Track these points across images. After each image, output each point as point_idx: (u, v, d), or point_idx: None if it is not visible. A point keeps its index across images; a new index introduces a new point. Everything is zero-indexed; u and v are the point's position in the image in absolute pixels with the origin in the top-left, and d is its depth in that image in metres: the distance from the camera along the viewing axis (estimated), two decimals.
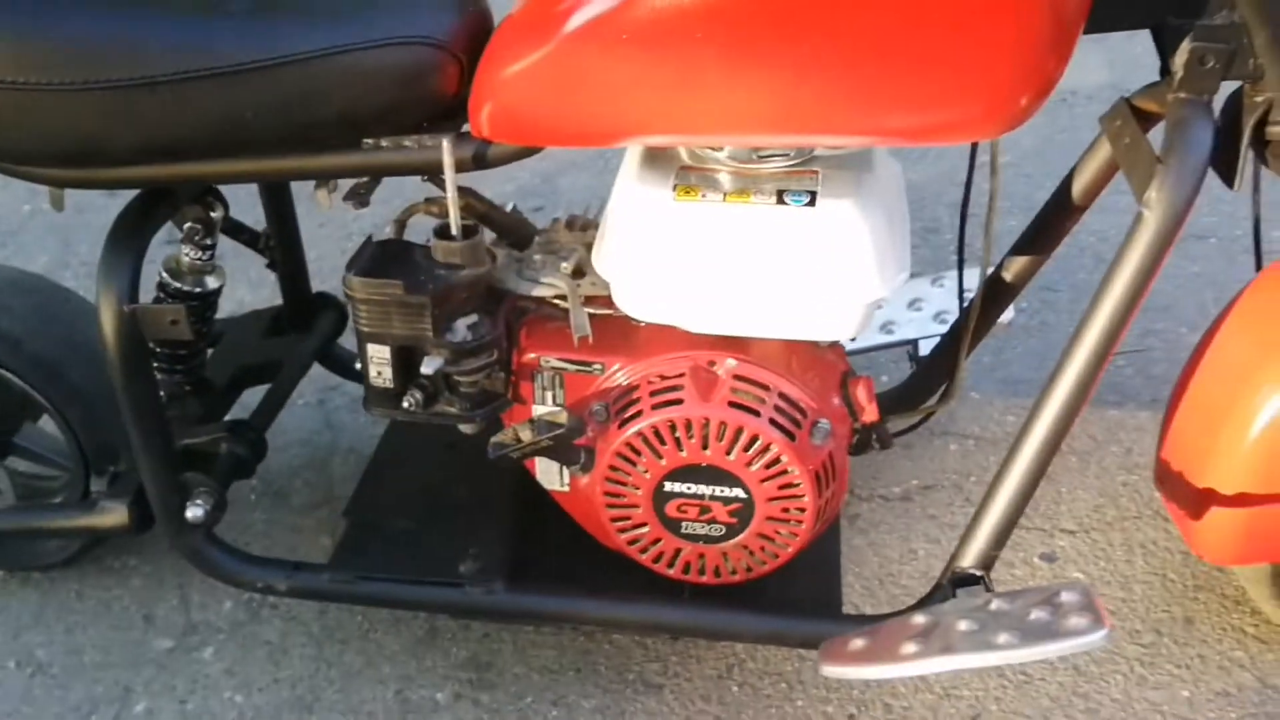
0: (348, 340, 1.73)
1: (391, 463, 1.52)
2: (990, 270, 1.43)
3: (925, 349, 1.62)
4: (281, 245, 1.66)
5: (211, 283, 1.47)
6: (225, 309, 1.95)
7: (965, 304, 1.46)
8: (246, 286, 2.16)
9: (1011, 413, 1.84)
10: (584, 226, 1.37)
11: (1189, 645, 1.50)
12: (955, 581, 1.24)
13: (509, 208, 1.39)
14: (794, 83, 1.04)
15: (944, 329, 1.61)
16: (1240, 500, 1.28)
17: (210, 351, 1.64)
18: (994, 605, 1.16)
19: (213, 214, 1.41)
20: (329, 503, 1.76)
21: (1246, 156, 1.14)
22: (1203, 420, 1.31)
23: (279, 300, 1.71)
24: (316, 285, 1.74)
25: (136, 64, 1.14)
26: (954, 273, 1.72)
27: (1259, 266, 1.32)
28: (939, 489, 1.73)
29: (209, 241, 1.43)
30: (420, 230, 1.28)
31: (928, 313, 1.64)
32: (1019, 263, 1.41)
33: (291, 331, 1.70)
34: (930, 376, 1.58)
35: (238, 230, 1.61)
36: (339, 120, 1.18)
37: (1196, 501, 1.31)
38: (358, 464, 1.80)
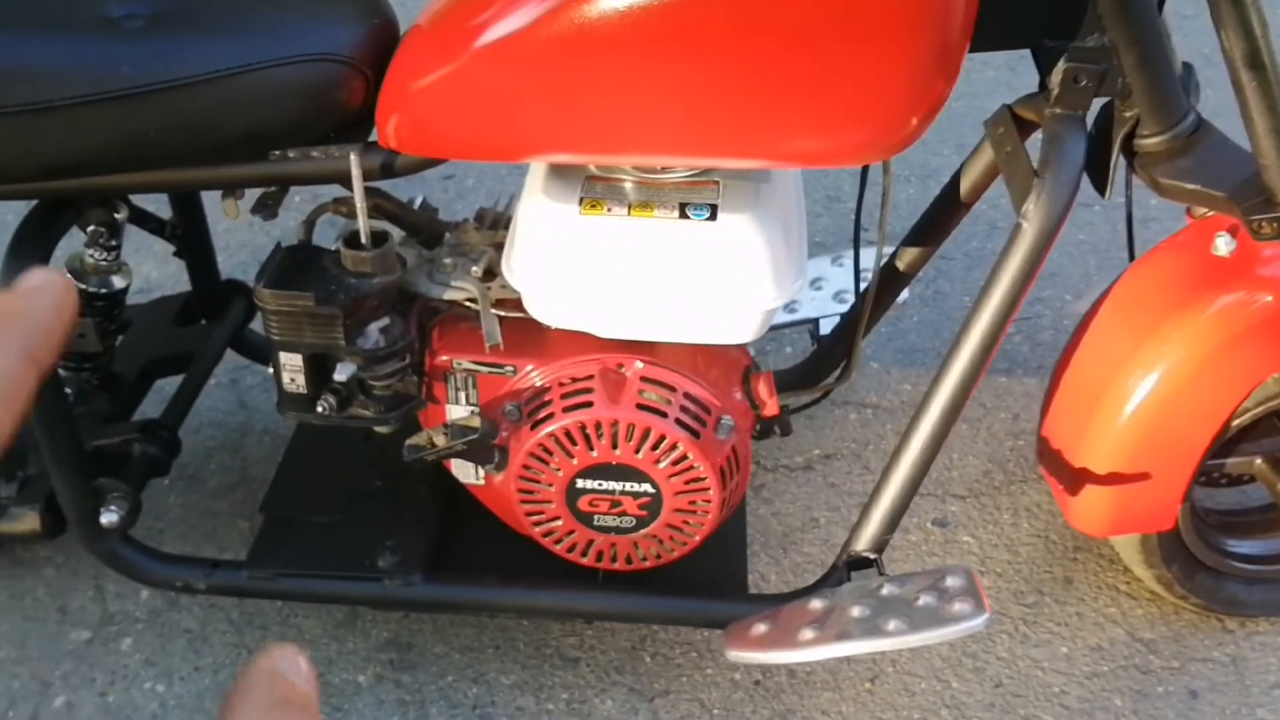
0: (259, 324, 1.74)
1: (307, 455, 1.55)
2: (886, 255, 1.49)
3: (826, 327, 1.68)
4: (188, 232, 1.66)
5: (118, 282, 1.47)
6: (132, 286, 1.94)
7: (862, 289, 1.53)
8: (153, 262, 2.14)
9: (908, 381, 1.92)
10: (494, 223, 1.40)
11: (1068, 604, 1.61)
12: (850, 564, 1.31)
13: (418, 202, 1.41)
14: (694, 109, 1.08)
15: (844, 308, 1.68)
16: (1112, 478, 1.37)
17: (119, 339, 1.63)
18: (885, 590, 1.25)
19: (117, 215, 1.40)
20: (245, 485, 1.78)
21: (1117, 165, 1.21)
22: (1080, 402, 1.40)
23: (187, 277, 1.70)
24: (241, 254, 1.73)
25: (30, 89, 1.13)
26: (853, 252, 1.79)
27: (1132, 258, 1.41)
28: (839, 458, 1.81)
29: (114, 243, 1.43)
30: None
31: (828, 292, 1.70)
32: (911, 252, 1.48)
33: (202, 318, 1.71)
34: (830, 355, 1.65)
35: (143, 218, 1.60)
36: (245, 137, 1.19)
37: (1073, 478, 1.40)
38: (273, 445, 1.82)
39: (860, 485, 1.76)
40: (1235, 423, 1.37)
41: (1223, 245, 1.28)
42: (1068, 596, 1.62)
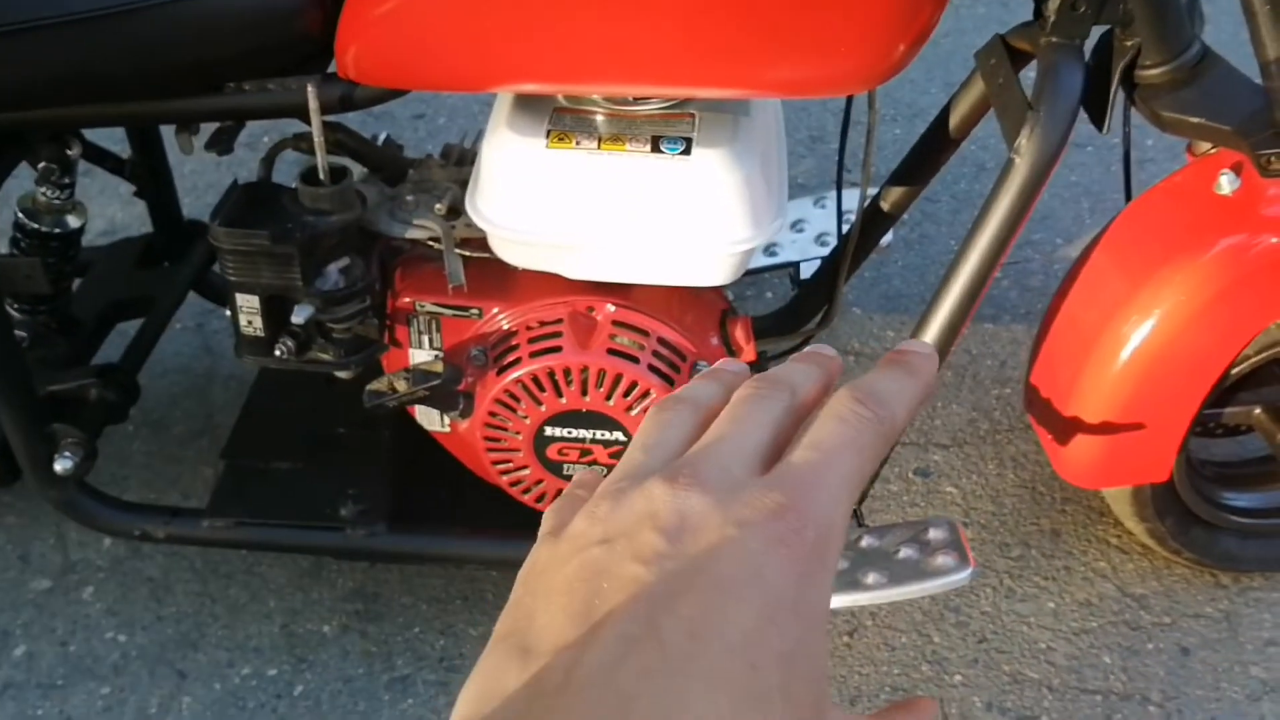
0: None
1: (268, 401, 1.49)
2: (869, 195, 1.43)
3: (807, 271, 1.62)
4: (148, 172, 1.60)
5: (73, 222, 1.41)
6: (96, 228, 1.88)
7: (844, 230, 1.47)
8: (118, 204, 2.08)
9: (891, 328, 1.86)
10: (460, 159, 1.34)
11: (1055, 557, 1.57)
12: None
13: (381, 139, 1.34)
14: (669, 35, 1.02)
15: (825, 251, 1.62)
16: (1104, 427, 1.32)
17: (77, 283, 1.58)
18: (864, 542, 1.18)
19: (69, 151, 1.34)
20: (210, 432, 1.73)
21: (1116, 98, 1.15)
22: (1072, 349, 1.34)
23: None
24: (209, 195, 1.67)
25: None
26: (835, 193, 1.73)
27: (1128, 199, 1.35)
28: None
29: (67, 180, 1.37)
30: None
31: (809, 234, 1.64)
32: (896, 193, 1.42)
33: (164, 261, 1.65)
34: (811, 299, 1.59)
35: (101, 157, 1.54)
36: (197, 66, 1.13)
37: (1064, 427, 1.35)
38: (238, 391, 1.76)
39: None
40: (1234, 371, 1.32)
41: (1226, 184, 1.22)
42: (1055, 550, 1.58)
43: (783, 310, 1.60)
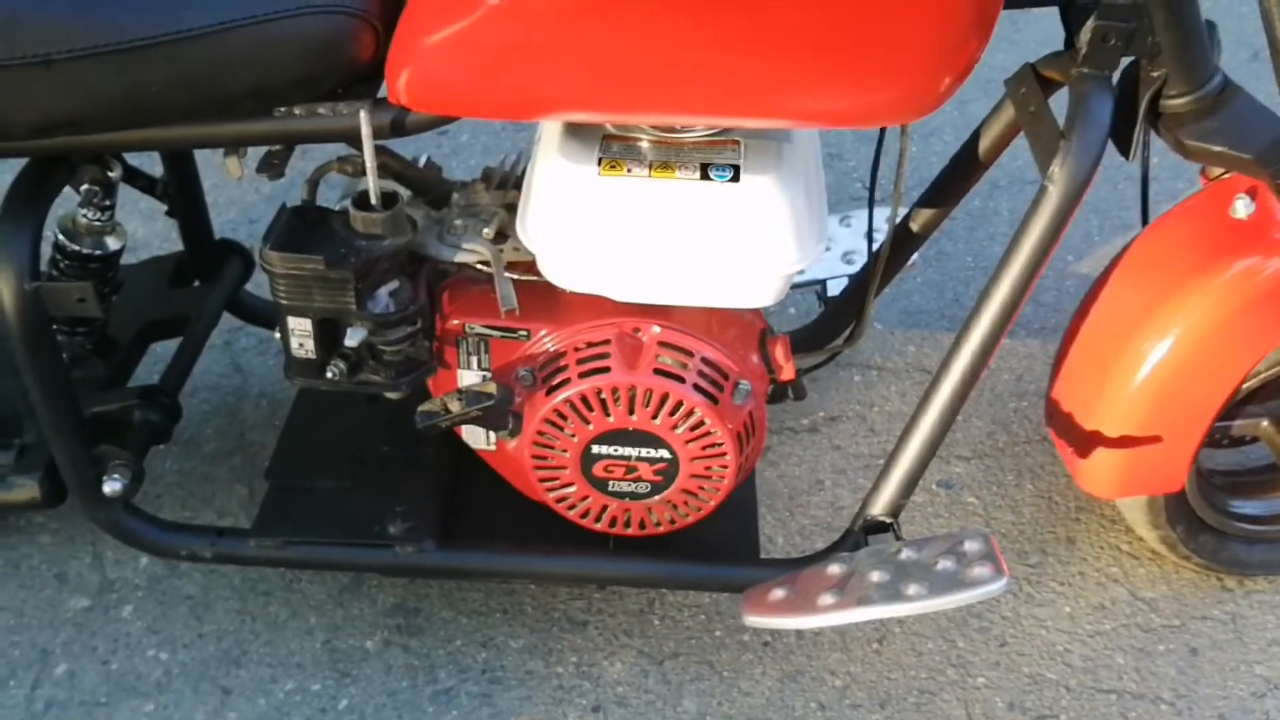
0: (255, 285, 1.71)
1: (310, 421, 1.52)
2: (900, 215, 1.48)
3: (833, 289, 1.67)
4: (180, 191, 1.61)
5: (112, 244, 1.43)
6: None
7: (874, 249, 1.52)
8: (139, 219, 2.10)
9: (912, 343, 1.91)
10: (502, 182, 1.37)
11: (1071, 564, 1.62)
12: (866, 528, 1.31)
13: (422, 160, 1.38)
14: (719, 66, 1.06)
15: (852, 269, 1.67)
16: (1124, 441, 1.37)
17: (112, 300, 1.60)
18: (903, 555, 1.24)
19: (111, 174, 1.36)
20: (242, 450, 1.75)
21: (1142, 128, 1.20)
22: (1092, 366, 1.39)
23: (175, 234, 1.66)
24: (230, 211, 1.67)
25: (27, 41, 1.09)
26: (861, 212, 1.77)
27: (1145, 222, 1.40)
28: (844, 420, 1.80)
29: (108, 202, 1.39)
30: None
31: (836, 253, 1.69)
32: (926, 214, 1.47)
33: (195, 280, 1.67)
34: (838, 317, 1.64)
35: (134, 176, 1.55)
36: (249, 92, 1.15)
37: (1084, 441, 1.40)
38: (270, 409, 1.80)
39: (865, 448, 1.76)
40: (1245, 385, 1.37)
41: (1241, 208, 1.27)
42: (1071, 556, 1.63)
43: (811, 326, 1.64)
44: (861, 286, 1.54)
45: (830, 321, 1.63)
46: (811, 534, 1.65)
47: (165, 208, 1.62)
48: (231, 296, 1.67)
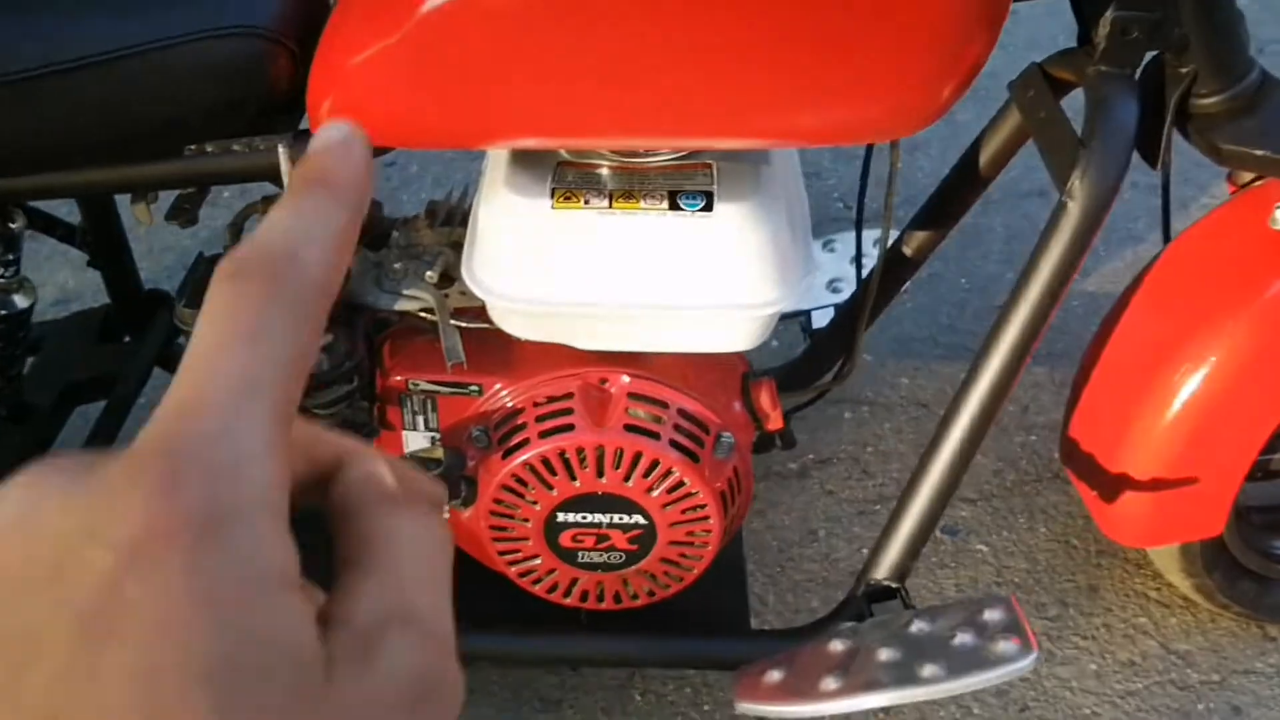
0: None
1: None
2: (892, 238, 1.33)
3: (818, 320, 1.53)
4: (101, 239, 1.47)
5: (20, 302, 1.28)
6: (47, 297, 1.75)
7: (863, 276, 1.37)
8: (69, 270, 1.94)
9: (904, 375, 1.77)
10: (447, 216, 1.23)
11: (1094, 615, 1.48)
12: (870, 595, 1.16)
13: None
14: (690, 81, 0.91)
15: (838, 298, 1.52)
16: (1155, 483, 1.23)
17: (30, 362, 1.44)
18: (915, 627, 1.09)
19: (12, 225, 1.22)
20: None
21: (1169, 131, 1.06)
22: (1116, 401, 1.25)
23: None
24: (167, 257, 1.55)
25: None
26: (845, 235, 1.63)
27: (1167, 239, 1.26)
28: (835, 462, 1.65)
29: (11, 256, 1.24)
30: None
31: (820, 280, 1.55)
32: (919, 237, 1.33)
33: (124, 334, 1.52)
34: (825, 351, 1.49)
35: (49, 225, 1.41)
36: (153, 129, 1.02)
37: (1110, 485, 1.26)
38: None
39: (860, 492, 1.61)
40: None
41: None
42: (1094, 607, 1.48)
43: (796, 362, 1.50)
44: (850, 317, 1.39)
45: (817, 356, 1.48)
46: (806, 591, 1.50)
47: (88, 259, 1.48)
48: (163, 350, 1.52)
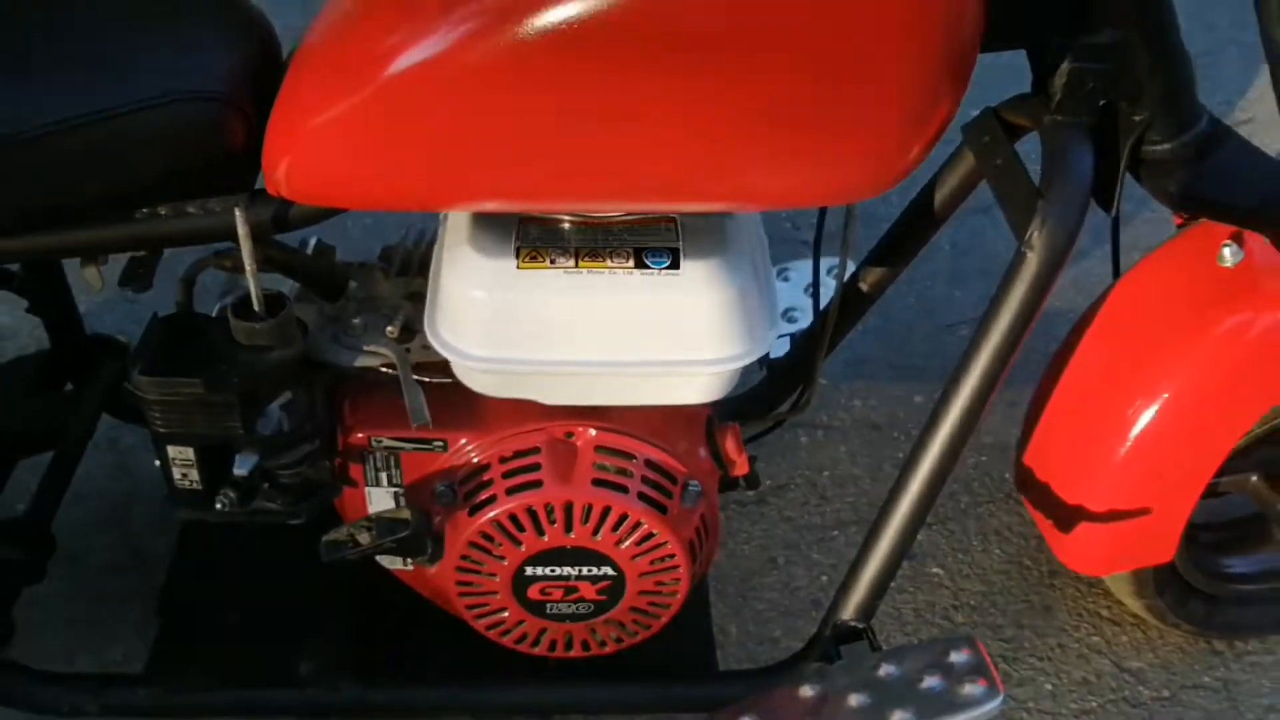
0: None
1: (204, 544, 1.34)
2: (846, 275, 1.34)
3: (775, 350, 1.53)
4: (41, 285, 1.42)
5: None
6: None
7: (820, 307, 1.38)
8: (3, 307, 1.89)
9: (858, 397, 1.78)
10: (405, 265, 1.21)
11: (1049, 635, 1.50)
12: (838, 637, 1.17)
13: (311, 244, 1.21)
14: (652, 149, 0.91)
15: (793, 328, 1.53)
16: (1110, 514, 1.25)
17: None
18: (883, 670, 1.10)
19: None
20: (134, 562, 1.55)
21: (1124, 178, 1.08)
22: (1069, 433, 1.27)
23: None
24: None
25: None
26: (800, 263, 1.64)
27: (1117, 273, 1.28)
28: (792, 487, 1.67)
29: None
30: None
31: None
32: (876, 273, 1.34)
33: (66, 382, 1.48)
34: (782, 381, 1.49)
35: None
36: (105, 196, 0.99)
37: (1066, 515, 1.28)
38: (163, 514, 1.58)
39: (818, 518, 1.62)
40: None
41: (1229, 255, 1.16)
42: (1048, 627, 1.51)
43: (752, 393, 1.50)
44: (807, 346, 1.40)
45: (773, 386, 1.48)
46: (768, 621, 1.50)
47: (27, 306, 1.44)
48: (109, 395, 1.48)
